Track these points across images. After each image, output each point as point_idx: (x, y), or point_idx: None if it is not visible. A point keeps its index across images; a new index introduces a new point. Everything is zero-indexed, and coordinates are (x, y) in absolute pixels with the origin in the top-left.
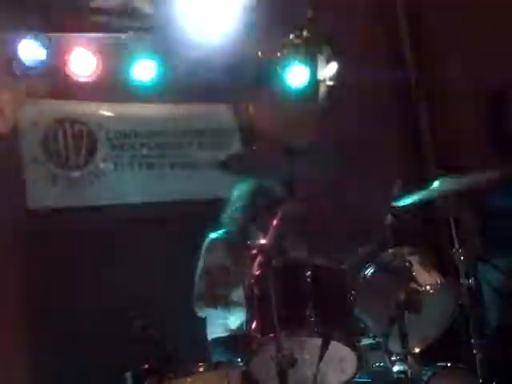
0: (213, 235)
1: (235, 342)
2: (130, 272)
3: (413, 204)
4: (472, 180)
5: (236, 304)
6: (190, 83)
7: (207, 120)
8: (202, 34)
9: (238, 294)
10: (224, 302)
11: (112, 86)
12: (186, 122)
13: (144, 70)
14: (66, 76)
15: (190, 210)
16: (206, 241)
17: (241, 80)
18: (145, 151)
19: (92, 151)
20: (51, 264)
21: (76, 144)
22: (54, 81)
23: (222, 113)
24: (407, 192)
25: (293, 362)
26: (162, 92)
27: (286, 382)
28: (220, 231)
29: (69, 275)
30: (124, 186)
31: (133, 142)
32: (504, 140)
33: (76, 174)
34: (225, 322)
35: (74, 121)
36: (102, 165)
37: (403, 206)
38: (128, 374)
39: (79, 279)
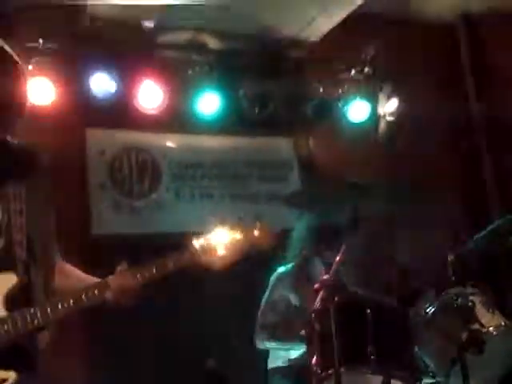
0: (280, 269)
1: (295, 371)
2: (194, 305)
3: (477, 245)
4: None
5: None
6: (252, 116)
7: (267, 152)
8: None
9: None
10: (293, 336)
11: (177, 118)
12: (246, 153)
13: (208, 103)
14: (134, 108)
15: None
16: (274, 275)
17: (302, 114)
18: (205, 182)
19: (155, 181)
20: None
21: (140, 173)
22: (123, 112)
23: (282, 146)
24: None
25: None
26: (224, 124)
27: None
28: (287, 265)
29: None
30: (185, 215)
31: (194, 172)
32: None
33: (139, 202)
34: (286, 353)
35: (139, 150)
36: (164, 194)
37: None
38: None
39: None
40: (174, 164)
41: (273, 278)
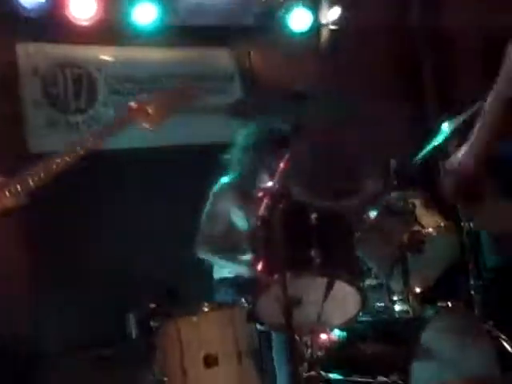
0: (223, 179)
1: (241, 282)
2: (134, 212)
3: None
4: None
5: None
6: (190, 27)
7: (207, 65)
8: None
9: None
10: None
11: (112, 30)
12: (186, 66)
13: (144, 13)
14: (66, 20)
15: (189, 155)
16: (216, 186)
17: (242, 24)
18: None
19: (91, 96)
20: (54, 205)
21: (76, 88)
22: (54, 25)
23: (222, 58)
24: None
25: (298, 302)
26: (162, 36)
27: (291, 321)
28: (230, 175)
29: (71, 215)
30: (126, 130)
31: (132, 86)
32: None
33: (76, 118)
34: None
35: (73, 64)
36: (101, 110)
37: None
38: (131, 315)
39: (80, 218)
40: (111, 78)
41: (215, 188)
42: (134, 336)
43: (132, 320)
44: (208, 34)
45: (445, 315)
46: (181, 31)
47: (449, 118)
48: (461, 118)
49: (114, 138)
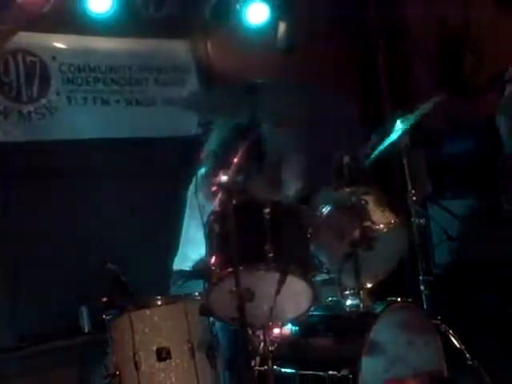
0: (201, 170)
1: (196, 273)
2: (87, 206)
3: (372, 148)
4: (425, 121)
5: None
6: (147, 17)
7: (164, 55)
8: None
9: None
10: None
11: (67, 18)
12: (142, 56)
13: (100, 2)
14: (19, 6)
15: (145, 147)
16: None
17: (199, 16)
18: (100, 86)
19: (45, 84)
20: (3, 197)
21: (28, 76)
22: (6, 10)
23: (179, 48)
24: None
25: (250, 296)
26: (118, 25)
27: (244, 315)
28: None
29: (21, 206)
30: (77, 121)
31: (87, 76)
32: (459, 85)
33: (28, 107)
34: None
35: (26, 52)
36: (55, 99)
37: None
38: (83, 308)
39: (31, 210)
40: (65, 67)
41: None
42: (86, 329)
43: (85, 313)
44: (164, 25)
45: (394, 310)
46: (137, 21)
47: (402, 115)
48: (414, 116)
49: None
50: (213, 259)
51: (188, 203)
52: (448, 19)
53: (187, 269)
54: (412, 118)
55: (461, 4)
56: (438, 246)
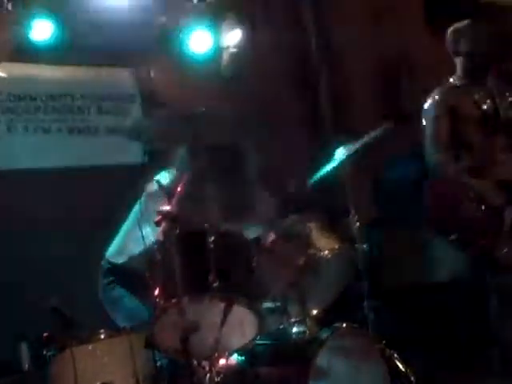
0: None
1: (125, 275)
2: (26, 236)
3: (315, 174)
4: (367, 149)
5: None
6: (89, 45)
7: (107, 84)
8: None
9: None
10: None
11: (7, 46)
12: (85, 85)
13: (41, 30)
14: None
15: (88, 176)
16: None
17: (142, 44)
18: (41, 115)
19: None
20: None
21: None
22: None
23: (122, 77)
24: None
25: (196, 327)
26: (59, 53)
27: (189, 346)
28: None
29: None
30: (18, 150)
31: (28, 105)
32: (398, 113)
33: None
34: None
35: None
36: None
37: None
38: (24, 344)
39: None
40: (5, 95)
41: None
42: (26, 366)
43: (24, 349)
44: (108, 54)
45: (339, 336)
46: (79, 49)
47: (345, 142)
48: (355, 146)
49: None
50: (156, 290)
51: (143, 205)
52: (384, 46)
53: (120, 262)
54: (355, 146)
55: (396, 31)
56: (384, 270)
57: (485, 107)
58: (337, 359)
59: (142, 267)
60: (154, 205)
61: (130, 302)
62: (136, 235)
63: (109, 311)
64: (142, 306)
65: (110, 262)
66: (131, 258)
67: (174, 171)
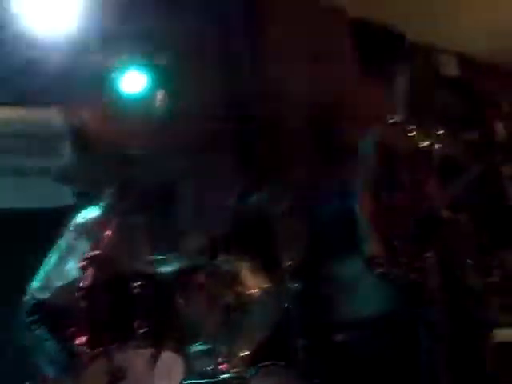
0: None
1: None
2: None
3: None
4: (301, 187)
5: None
6: (20, 84)
7: (37, 124)
8: (37, 33)
9: None
10: None
11: None
12: (14, 125)
13: None
14: None
15: (15, 220)
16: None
17: (75, 83)
18: None
19: None
20: None
21: None
22: None
23: (53, 117)
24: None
25: (123, 374)
26: None
27: None
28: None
29: None
30: None
31: None
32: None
33: None
34: None
35: None
36: None
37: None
38: None
39: None
40: None
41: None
42: None
43: None
44: (37, 92)
45: (264, 376)
46: (9, 88)
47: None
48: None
49: None
50: (81, 338)
51: (69, 238)
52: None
53: (44, 297)
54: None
55: (332, 72)
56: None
57: (421, 144)
58: None
59: (65, 303)
60: (79, 239)
61: (52, 346)
62: (60, 269)
63: (30, 352)
64: (62, 352)
65: (34, 298)
66: (54, 292)
67: (101, 207)
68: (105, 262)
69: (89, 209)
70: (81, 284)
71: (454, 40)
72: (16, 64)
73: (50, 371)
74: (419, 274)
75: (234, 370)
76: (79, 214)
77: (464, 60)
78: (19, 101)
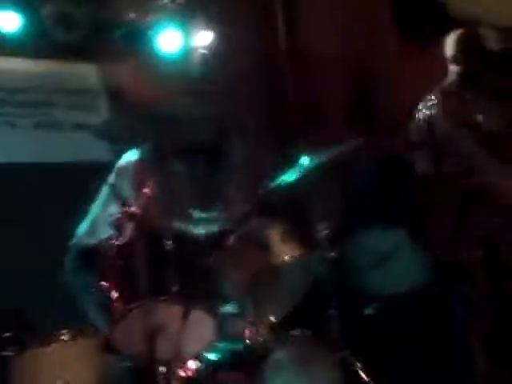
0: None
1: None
2: None
3: (281, 181)
4: (335, 155)
5: None
6: (56, 39)
7: (74, 79)
8: None
9: None
10: None
11: None
12: (51, 79)
13: (8, 21)
14: None
15: (53, 173)
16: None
17: (111, 40)
18: (7, 109)
19: None
20: None
21: None
22: None
23: (89, 73)
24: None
25: (162, 329)
26: (25, 46)
27: (154, 350)
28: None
29: None
30: None
31: None
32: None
33: None
34: None
35: None
36: None
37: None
38: None
39: None
40: None
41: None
42: None
43: None
44: (75, 48)
45: (291, 344)
46: (46, 42)
47: (310, 153)
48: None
49: None
50: (115, 293)
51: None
52: (354, 55)
53: (91, 243)
54: (325, 156)
55: (366, 39)
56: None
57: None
58: (286, 367)
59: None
60: (121, 183)
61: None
62: (104, 219)
63: (77, 296)
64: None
65: (80, 244)
66: (101, 242)
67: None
68: (141, 221)
69: (131, 152)
70: (117, 241)
71: (496, 14)
72: (54, 19)
73: (95, 320)
74: (461, 248)
75: (263, 336)
76: (122, 158)
77: (507, 34)
78: (58, 55)
